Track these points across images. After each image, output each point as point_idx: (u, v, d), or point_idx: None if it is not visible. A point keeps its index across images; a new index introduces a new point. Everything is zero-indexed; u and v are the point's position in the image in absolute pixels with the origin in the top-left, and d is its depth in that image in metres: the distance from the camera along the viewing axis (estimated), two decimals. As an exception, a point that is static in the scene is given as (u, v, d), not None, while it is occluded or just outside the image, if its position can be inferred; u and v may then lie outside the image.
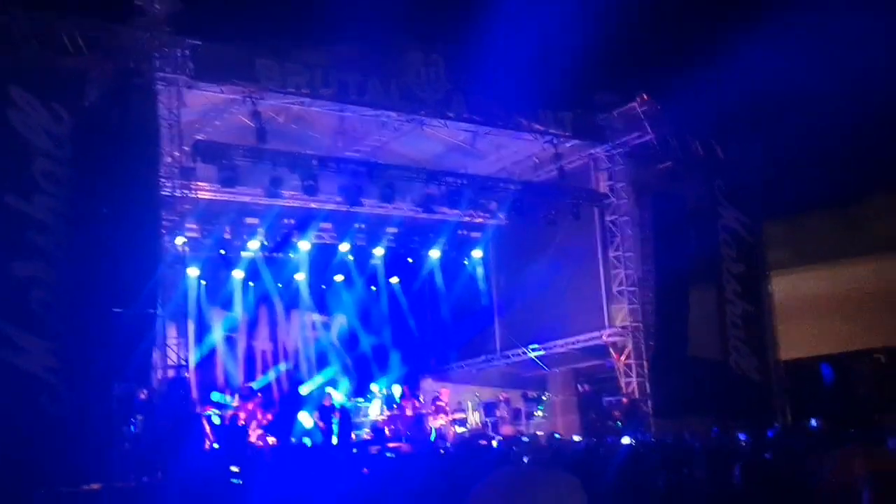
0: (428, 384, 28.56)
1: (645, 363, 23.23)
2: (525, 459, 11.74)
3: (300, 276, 26.33)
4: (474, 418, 25.61)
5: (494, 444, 19.86)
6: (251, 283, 25.55)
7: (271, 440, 22.00)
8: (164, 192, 17.70)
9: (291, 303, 26.75)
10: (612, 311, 24.23)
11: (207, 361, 23.90)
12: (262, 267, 25.28)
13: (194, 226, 21.30)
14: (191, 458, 16.73)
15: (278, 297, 26.31)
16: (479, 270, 28.32)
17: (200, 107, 20.12)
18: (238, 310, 25.49)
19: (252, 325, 26.07)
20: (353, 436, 23.85)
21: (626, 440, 16.07)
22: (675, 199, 23.82)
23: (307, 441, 22.69)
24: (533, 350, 25.75)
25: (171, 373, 17.41)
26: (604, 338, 24.14)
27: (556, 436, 20.66)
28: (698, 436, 15.17)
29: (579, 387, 26.03)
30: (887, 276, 27.56)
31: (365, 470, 13.15)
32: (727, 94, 23.06)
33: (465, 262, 28.34)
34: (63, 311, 15.39)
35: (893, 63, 23.94)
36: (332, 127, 23.03)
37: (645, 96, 23.34)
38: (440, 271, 28.12)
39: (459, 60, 21.41)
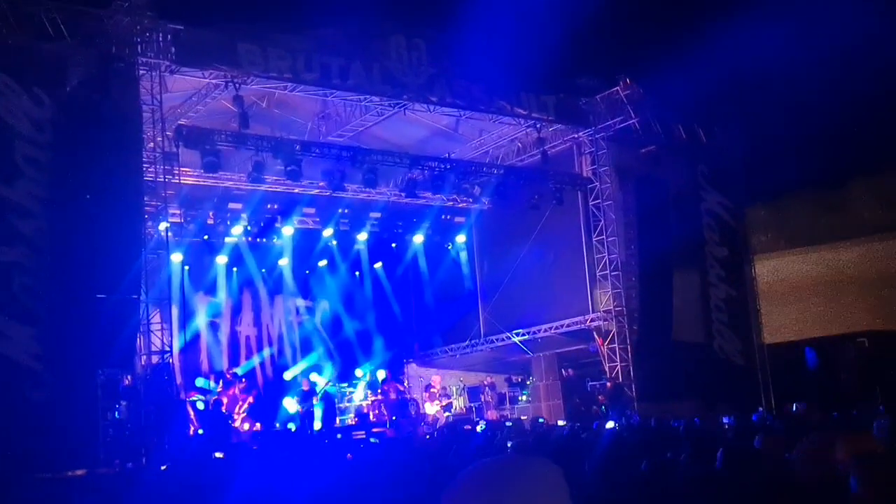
0: (412, 369, 28.62)
1: (629, 347, 23.28)
2: (509, 444, 11.79)
3: (284, 262, 26.30)
4: (459, 403, 25.69)
5: (479, 428, 19.95)
6: (235, 269, 25.51)
7: (256, 426, 22.02)
8: (146, 178, 17.63)
9: (275, 288, 26.73)
10: (595, 295, 24.28)
11: (191, 347, 23.86)
12: (246, 252, 25.24)
13: (177, 211, 21.23)
14: (175, 444, 16.76)
15: (262, 282, 26.29)
16: (463, 255, 28.34)
17: (183, 92, 20.06)
18: (222, 295, 25.43)
19: (236, 311, 26.01)
20: (337, 421, 23.92)
21: (610, 424, 16.13)
22: (659, 184, 23.87)
23: (291, 426, 22.73)
24: (517, 335, 25.79)
25: (154, 358, 17.37)
26: (588, 322, 24.20)
27: (541, 420, 20.74)
28: (682, 419, 15.24)
29: (563, 371, 26.07)
30: (870, 259, 27.73)
31: (349, 455, 13.16)
32: (710, 79, 23.06)
33: (449, 247, 28.37)
34: (46, 297, 15.34)
35: (876, 47, 24.01)
36: (315, 112, 23.02)
37: (628, 81, 23.36)
38: (424, 256, 28.15)
39: (442, 45, 21.36)
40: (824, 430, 6.61)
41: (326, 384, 24.15)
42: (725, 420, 15.44)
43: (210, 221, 23.42)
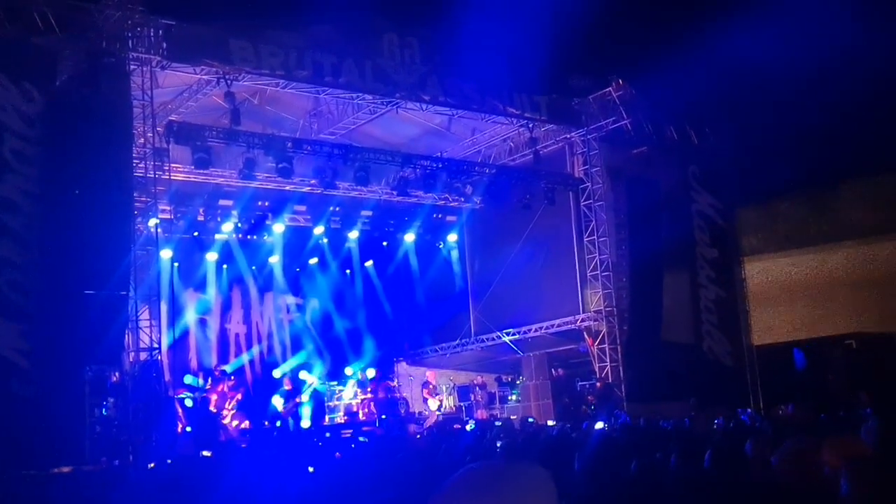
0: (402, 368, 28.61)
1: (619, 348, 23.30)
2: (498, 444, 11.78)
3: (274, 259, 26.24)
4: (449, 402, 25.68)
5: (469, 428, 19.97)
6: (225, 266, 25.43)
7: (245, 423, 21.98)
8: (136, 174, 17.55)
9: (265, 285, 26.67)
10: (586, 295, 24.31)
11: (180, 344, 23.76)
12: (236, 249, 25.17)
13: (167, 207, 21.15)
14: (163, 442, 16.70)
15: (252, 279, 26.23)
16: (454, 254, 28.34)
17: (174, 87, 20.01)
18: (211, 292, 25.36)
19: (225, 308, 25.96)
20: (326, 419, 23.90)
21: (599, 425, 16.12)
22: (650, 184, 23.90)
23: (280, 424, 22.69)
24: (507, 334, 25.78)
25: (143, 355, 17.30)
26: (578, 322, 24.21)
27: (530, 420, 20.77)
28: (671, 420, 15.25)
29: (553, 371, 26.09)
30: (860, 262, 27.77)
31: (338, 454, 13.13)
32: (702, 81, 23.12)
33: (440, 246, 28.35)
34: (34, 293, 15.27)
35: (867, 49, 24.06)
36: (307, 109, 23.00)
37: (620, 81, 23.39)
38: (415, 255, 28.11)
39: (435, 43, 21.36)
40: (806, 433, 6.60)
41: (311, 383, 24.16)
42: (715, 421, 15.45)
43: (200, 218, 23.32)
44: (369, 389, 24.27)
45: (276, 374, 25.51)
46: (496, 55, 21.51)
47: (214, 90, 19.46)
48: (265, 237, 25.55)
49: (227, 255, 25.12)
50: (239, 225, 24.36)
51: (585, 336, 24.03)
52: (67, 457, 14.70)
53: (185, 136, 19.06)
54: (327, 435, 20.75)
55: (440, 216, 27.15)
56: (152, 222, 18.46)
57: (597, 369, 23.56)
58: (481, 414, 24.86)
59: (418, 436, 19.19)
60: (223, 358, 25.16)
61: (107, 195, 16.32)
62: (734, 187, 25.66)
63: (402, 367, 28.69)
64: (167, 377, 20.36)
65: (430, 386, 25.33)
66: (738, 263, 25.28)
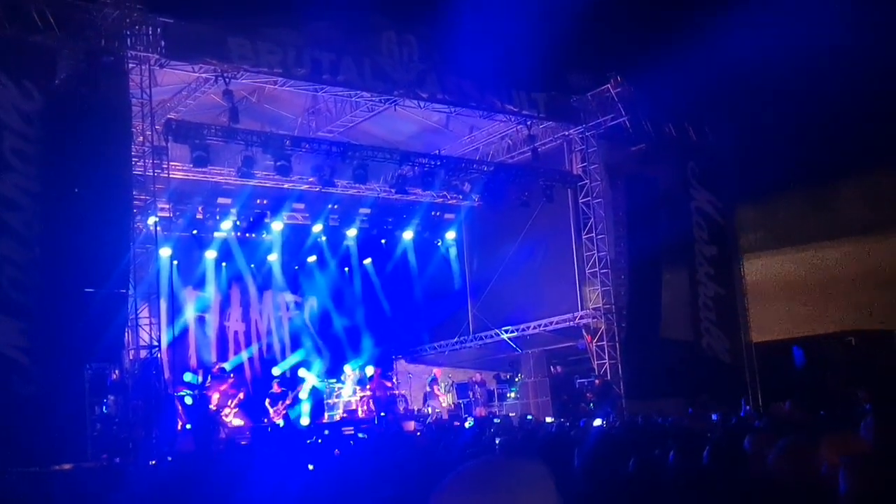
0: (401, 365, 28.63)
1: (617, 345, 23.32)
2: (497, 441, 11.80)
3: (273, 257, 26.27)
4: (448, 400, 25.69)
5: (467, 425, 19.97)
6: (224, 264, 25.45)
7: (243, 421, 22.00)
8: (135, 172, 17.58)
9: (264, 283, 26.70)
10: (585, 292, 24.33)
11: (179, 342, 23.81)
12: (235, 247, 25.18)
13: (166, 205, 21.16)
14: (163, 439, 16.73)
15: (251, 277, 26.26)
16: (453, 252, 28.34)
17: (172, 86, 20.03)
18: (210, 290, 25.39)
19: (224, 306, 25.99)
20: (325, 417, 23.92)
21: (597, 422, 16.14)
22: (649, 182, 23.91)
23: (280, 422, 22.70)
24: (506, 332, 25.80)
25: (143, 353, 17.33)
26: (577, 320, 24.23)
27: (529, 417, 20.76)
28: (670, 417, 15.26)
29: (552, 368, 26.10)
30: (858, 259, 27.75)
31: (337, 451, 13.15)
32: (701, 78, 23.07)
33: (439, 244, 28.34)
34: (34, 291, 15.29)
35: (865, 46, 24.04)
36: (306, 107, 23.02)
37: (619, 79, 23.37)
38: (413, 253, 28.12)
39: (433, 41, 21.34)
40: (804, 429, 6.61)
41: (310, 381, 24.19)
42: (713, 418, 15.47)
43: (199, 216, 23.33)
44: (368, 387, 24.29)
45: (276, 371, 25.52)
46: (494, 53, 21.47)
47: (213, 88, 19.48)
48: (264, 235, 25.56)
49: (225, 252, 25.13)
50: (238, 223, 24.36)
51: (584, 333, 24.05)
52: (68, 454, 14.73)
53: (184, 135, 19.07)
54: (326, 432, 20.76)
55: (438, 214, 27.14)
56: (151, 220, 18.47)
57: (595, 367, 23.59)
58: (480, 411, 24.86)
59: (418, 433, 19.19)
60: (222, 355, 25.20)
61: (106, 193, 16.35)
62: (733, 185, 25.66)
63: (401, 365, 28.70)
64: (167, 375, 20.40)
65: (440, 384, 25.46)
66: (737, 261, 25.29)
